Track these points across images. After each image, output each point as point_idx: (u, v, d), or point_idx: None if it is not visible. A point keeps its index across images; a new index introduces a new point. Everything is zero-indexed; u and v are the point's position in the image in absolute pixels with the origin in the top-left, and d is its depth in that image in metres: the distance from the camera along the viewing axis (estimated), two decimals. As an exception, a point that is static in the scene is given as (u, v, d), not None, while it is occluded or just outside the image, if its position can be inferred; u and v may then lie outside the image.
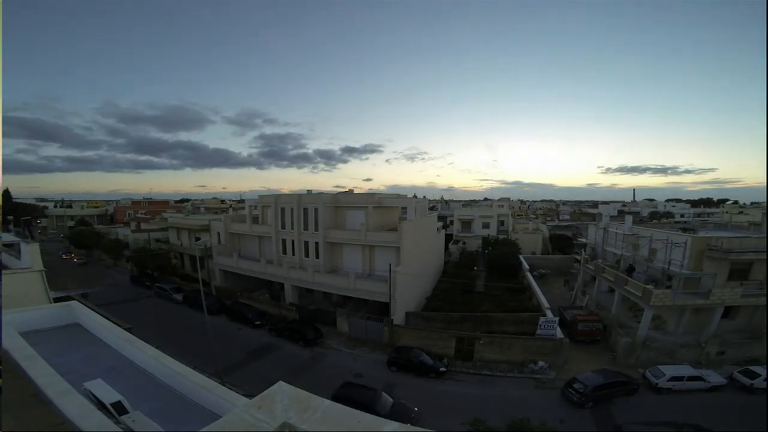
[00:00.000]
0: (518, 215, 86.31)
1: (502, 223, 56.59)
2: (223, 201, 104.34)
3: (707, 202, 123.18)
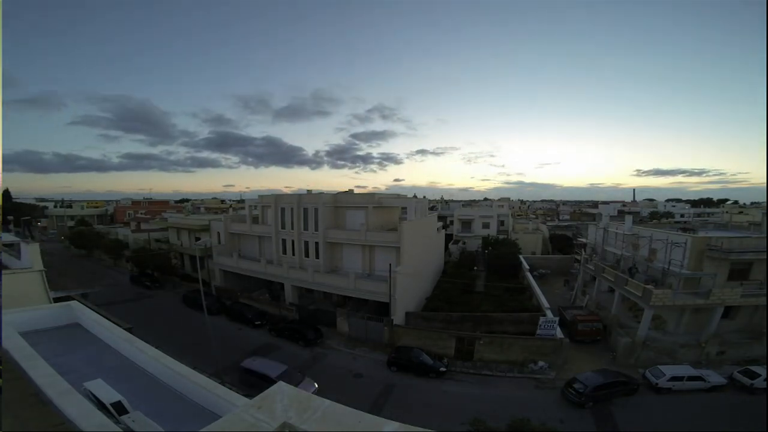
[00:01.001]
0: (518, 215, 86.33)
1: (502, 223, 56.61)
2: (223, 201, 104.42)
3: (707, 202, 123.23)
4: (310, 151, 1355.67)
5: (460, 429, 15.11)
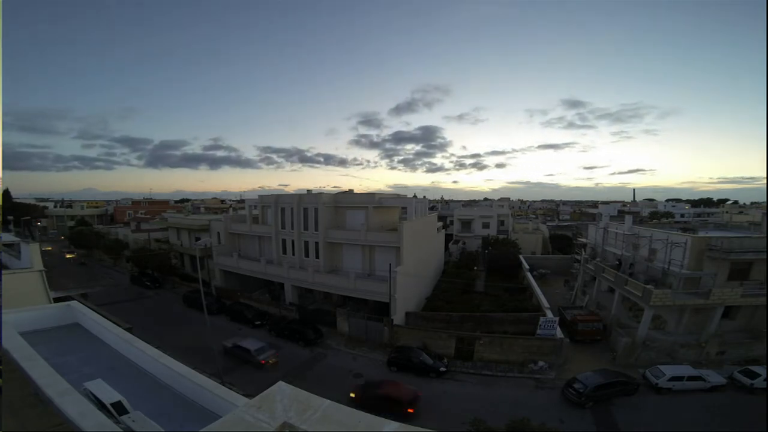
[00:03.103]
0: (518, 215, 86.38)
1: (502, 223, 56.58)
2: (222, 201, 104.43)
3: (707, 202, 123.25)
4: (451, 151, 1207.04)
5: (460, 429, 15.11)
